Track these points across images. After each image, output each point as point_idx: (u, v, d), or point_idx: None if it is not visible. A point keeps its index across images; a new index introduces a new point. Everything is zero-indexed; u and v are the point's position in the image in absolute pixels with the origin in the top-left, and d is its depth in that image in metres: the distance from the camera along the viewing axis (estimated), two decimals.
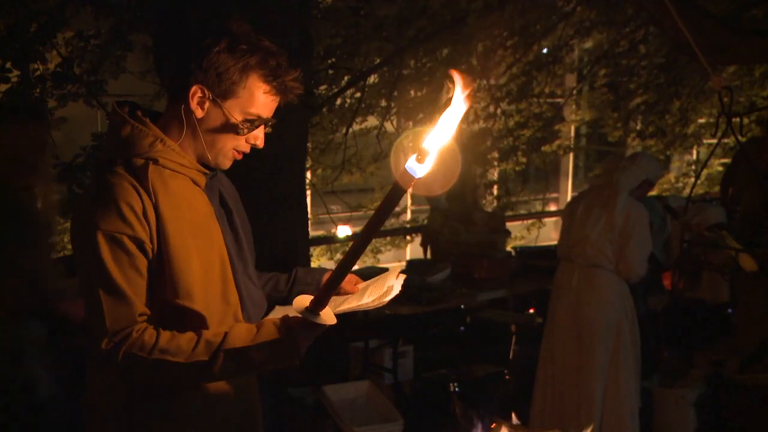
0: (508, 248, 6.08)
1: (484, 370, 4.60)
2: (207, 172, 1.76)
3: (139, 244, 1.61)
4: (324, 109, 6.43)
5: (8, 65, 4.62)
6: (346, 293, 1.87)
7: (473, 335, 5.35)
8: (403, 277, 1.76)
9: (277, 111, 1.79)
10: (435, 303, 4.56)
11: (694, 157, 12.03)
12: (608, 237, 3.82)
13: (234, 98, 1.67)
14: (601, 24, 7.43)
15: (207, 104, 1.68)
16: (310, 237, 4.75)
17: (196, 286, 1.65)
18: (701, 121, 9.75)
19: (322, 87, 6.27)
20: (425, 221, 7.23)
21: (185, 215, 1.67)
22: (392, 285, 1.71)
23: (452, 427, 4.30)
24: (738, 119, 3.89)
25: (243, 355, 1.59)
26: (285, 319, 1.61)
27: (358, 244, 1.47)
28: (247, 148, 1.75)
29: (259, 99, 1.69)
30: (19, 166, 2.75)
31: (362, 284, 1.86)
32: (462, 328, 4.88)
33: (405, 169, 1.33)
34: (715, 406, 3.99)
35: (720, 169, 9.22)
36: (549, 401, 4.01)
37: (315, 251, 8.72)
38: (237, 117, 1.68)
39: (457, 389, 4.30)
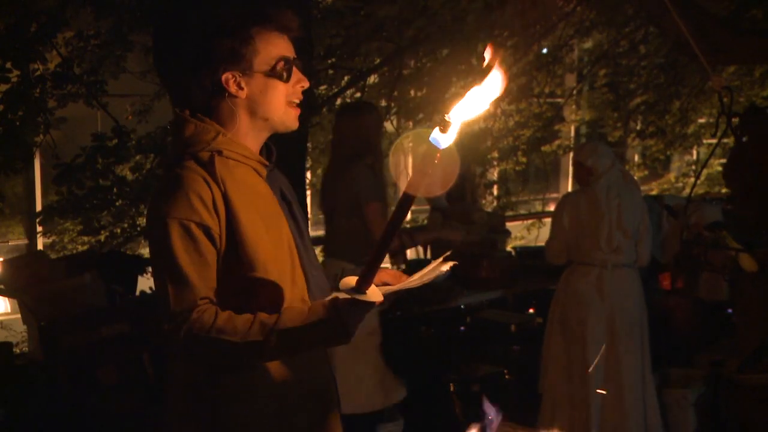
0: (508, 248, 6.07)
1: (484, 370, 4.59)
2: (267, 163, 1.85)
3: (207, 231, 1.70)
4: (324, 109, 6.43)
5: (8, 65, 4.62)
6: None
7: (473, 335, 5.34)
8: (450, 264, 1.76)
9: None
10: (435, 303, 4.56)
11: (694, 157, 12.03)
12: (636, 231, 3.83)
13: (256, 57, 1.76)
14: (601, 24, 7.43)
15: (243, 81, 1.77)
16: (310, 237, 4.75)
17: (270, 260, 1.74)
18: (701, 121, 9.74)
19: (322, 87, 6.27)
20: (425, 221, 7.22)
21: (254, 200, 1.77)
22: (441, 269, 1.74)
23: (452, 427, 4.30)
24: (738, 119, 3.89)
25: (294, 335, 1.65)
26: (333, 299, 1.66)
27: (397, 214, 1.52)
28: (298, 94, 1.82)
29: (273, 42, 1.77)
30: (366, 146, 3.70)
31: (417, 275, 1.87)
32: (462, 328, 4.87)
33: (429, 140, 1.36)
34: (715, 406, 3.98)
35: (720, 169, 9.21)
36: (562, 406, 3.95)
37: (315, 251, 8.71)
38: (268, 68, 1.77)
39: (456, 389, 4.29)
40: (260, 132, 1.83)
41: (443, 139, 1.36)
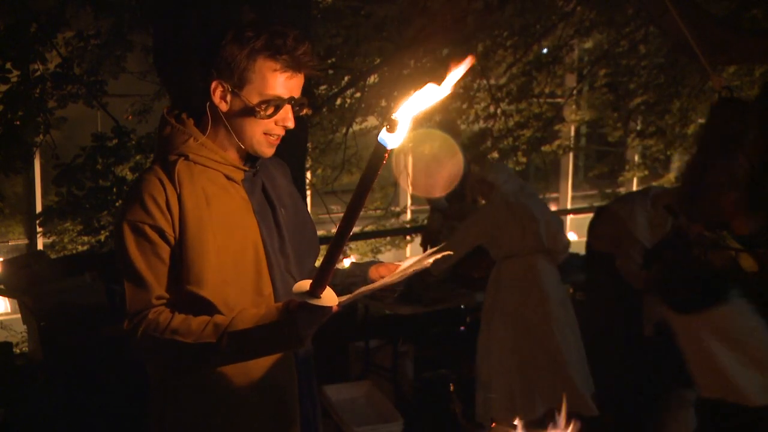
0: None
1: None
2: (245, 168, 1.82)
3: (160, 233, 1.71)
4: (324, 109, 6.43)
5: (8, 65, 4.62)
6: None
7: (473, 335, 5.34)
8: (442, 255, 1.73)
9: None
10: (435, 303, 4.56)
11: None
12: (544, 222, 4.19)
13: (249, 84, 1.73)
14: (601, 24, 7.43)
15: (229, 96, 1.74)
16: (309, 240, 4.76)
17: (209, 274, 1.71)
18: (701, 121, 9.74)
19: (322, 87, 6.27)
20: (425, 221, 7.20)
21: (212, 208, 1.74)
22: (425, 263, 1.70)
23: (452, 427, 4.30)
24: None
25: (246, 336, 1.64)
26: (286, 302, 1.64)
27: (344, 224, 1.46)
28: (279, 131, 1.79)
29: (273, 79, 1.73)
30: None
31: (400, 268, 1.84)
32: (462, 328, 4.88)
33: (378, 141, 1.31)
34: (714, 406, 3.98)
35: None
36: (526, 391, 4.03)
37: (315, 254, 8.69)
38: (254, 101, 1.73)
39: (456, 389, 4.30)
40: (234, 140, 1.79)
41: (391, 139, 1.31)
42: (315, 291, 1.55)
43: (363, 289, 1.69)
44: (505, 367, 4.06)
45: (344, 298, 1.61)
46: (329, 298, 1.57)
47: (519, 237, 4.10)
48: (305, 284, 1.57)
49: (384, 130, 1.30)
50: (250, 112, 1.74)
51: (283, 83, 1.74)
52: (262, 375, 1.83)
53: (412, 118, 1.31)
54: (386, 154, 1.32)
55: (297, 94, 1.77)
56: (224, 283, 1.73)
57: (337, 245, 1.48)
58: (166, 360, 1.76)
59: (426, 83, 1.30)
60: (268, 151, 1.81)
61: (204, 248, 1.71)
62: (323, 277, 1.54)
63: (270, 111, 1.74)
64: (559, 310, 4.11)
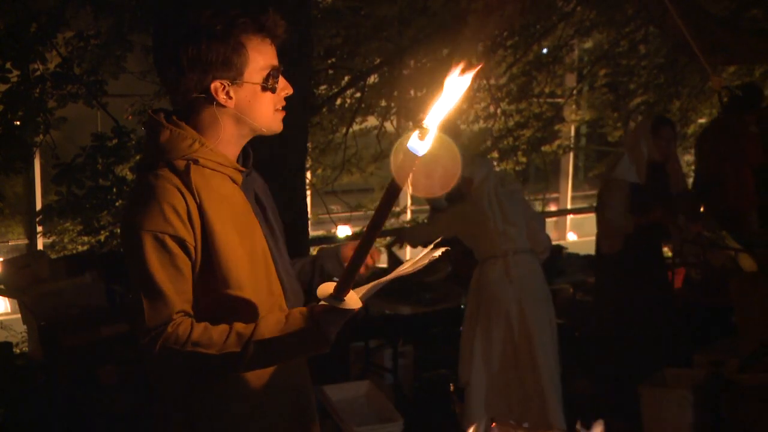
0: None
1: None
2: (243, 169, 1.81)
3: (182, 244, 1.66)
4: (324, 109, 6.43)
5: (8, 65, 4.62)
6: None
7: None
8: (442, 249, 1.75)
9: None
10: (435, 303, 4.56)
11: (694, 157, 12.02)
12: (522, 221, 4.14)
13: (247, 67, 1.72)
14: (601, 24, 7.44)
15: (232, 90, 1.73)
16: (310, 237, 4.75)
17: (245, 276, 1.71)
18: (701, 121, 9.75)
19: (322, 87, 6.27)
20: (425, 221, 7.19)
21: (228, 211, 1.73)
22: (434, 255, 1.72)
23: (452, 427, 4.30)
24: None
25: (272, 345, 1.62)
26: (311, 307, 1.63)
27: (372, 228, 1.48)
28: (283, 101, 1.80)
29: (262, 51, 1.74)
30: None
31: (413, 259, 1.83)
32: (462, 328, 4.88)
33: (407, 148, 1.31)
34: (715, 406, 3.98)
35: None
36: (509, 396, 4.04)
37: (315, 251, 8.70)
38: (259, 79, 1.74)
39: (456, 389, 4.30)
40: (242, 138, 1.79)
41: (421, 146, 1.30)
42: (339, 294, 1.56)
43: (376, 282, 1.70)
44: (486, 371, 4.04)
45: (362, 293, 1.63)
46: (353, 300, 1.58)
47: (498, 238, 4.03)
48: (328, 288, 1.58)
49: (414, 137, 1.30)
50: (260, 90, 1.74)
51: (270, 52, 1.76)
52: (281, 378, 1.83)
53: (439, 124, 1.31)
54: (416, 162, 1.33)
55: (278, 61, 1.79)
56: (254, 285, 1.73)
57: (364, 248, 1.50)
58: (188, 373, 1.71)
59: (442, 84, 1.30)
60: (280, 127, 1.81)
61: (235, 252, 1.70)
62: (348, 281, 1.55)
63: (274, 80, 1.75)
64: (540, 314, 4.05)
